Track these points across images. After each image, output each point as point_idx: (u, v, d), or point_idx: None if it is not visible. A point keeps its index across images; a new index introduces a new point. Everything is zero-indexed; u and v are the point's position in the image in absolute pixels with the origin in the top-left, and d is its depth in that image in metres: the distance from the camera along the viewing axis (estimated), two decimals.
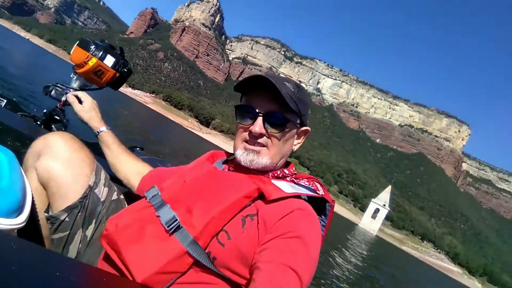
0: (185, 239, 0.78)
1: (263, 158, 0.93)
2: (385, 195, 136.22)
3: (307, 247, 0.76)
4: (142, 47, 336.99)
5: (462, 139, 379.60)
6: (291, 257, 0.73)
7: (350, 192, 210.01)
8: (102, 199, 1.07)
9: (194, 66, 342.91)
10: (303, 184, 0.95)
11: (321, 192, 0.94)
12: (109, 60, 1.39)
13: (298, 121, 0.97)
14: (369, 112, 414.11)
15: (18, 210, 0.80)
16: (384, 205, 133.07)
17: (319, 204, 0.94)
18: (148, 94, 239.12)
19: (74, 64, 1.39)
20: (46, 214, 1.01)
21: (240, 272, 0.78)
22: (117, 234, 0.85)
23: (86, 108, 1.32)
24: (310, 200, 0.92)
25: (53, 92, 1.38)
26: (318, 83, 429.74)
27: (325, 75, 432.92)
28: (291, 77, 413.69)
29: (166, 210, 0.85)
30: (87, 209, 1.02)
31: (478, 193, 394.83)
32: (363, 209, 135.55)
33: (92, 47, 1.35)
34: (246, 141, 0.95)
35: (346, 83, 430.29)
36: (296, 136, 1.01)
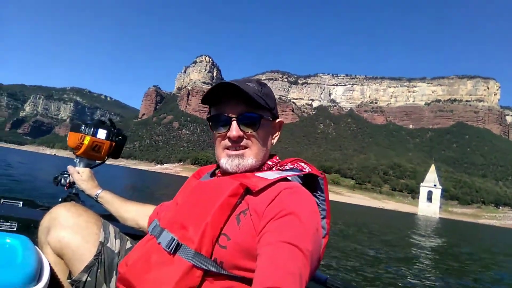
0: (188, 254, 0.81)
1: (248, 159, 0.95)
2: (431, 175, 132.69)
3: (300, 219, 0.76)
4: (157, 124, 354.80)
5: (494, 94, 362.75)
6: (287, 233, 0.74)
7: (404, 186, 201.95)
8: (116, 251, 1.12)
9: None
10: (288, 168, 0.98)
11: (307, 169, 0.96)
12: (102, 133, 1.49)
13: (270, 115, 0.99)
14: (390, 103, 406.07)
15: (36, 279, 0.89)
16: (435, 185, 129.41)
17: (312, 182, 0.96)
18: (176, 164, 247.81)
19: (73, 149, 1.51)
20: (68, 280, 1.06)
21: (251, 268, 0.78)
22: (128, 272, 0.89)
23: (84, 177, 1.45)
24: (303, 181, 0.96)
25: (62, 181, 1.49)
26: (330, 94, 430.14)
27: (333, 85, 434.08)
28: (302, 99, 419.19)
29: (164, 234, 0.89)
30: (105, 263, 1.08)
31: None
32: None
33: (83, 127, 1.47)
34: (227, 148, 0.97)
35: (357, 85, 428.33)
36: (272, 129, 1.03)
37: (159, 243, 0.88)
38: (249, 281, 0.78)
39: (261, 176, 0.90)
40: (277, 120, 1.04)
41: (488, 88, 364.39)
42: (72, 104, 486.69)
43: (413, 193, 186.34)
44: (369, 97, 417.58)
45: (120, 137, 1.56)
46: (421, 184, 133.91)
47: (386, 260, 9.37)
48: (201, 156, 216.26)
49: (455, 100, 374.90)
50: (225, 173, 0.98)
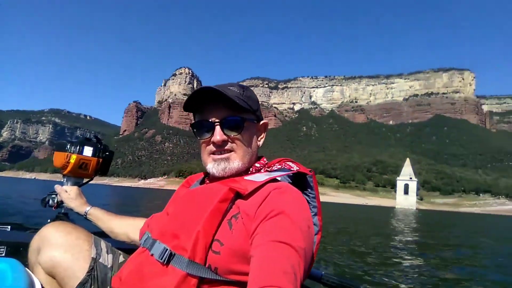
0: (182, 263, 0.80)
1: (234, 162, 0.95)
2: (407, 169, 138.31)
3: (291, 217, 0.76)
4: (139, 139, 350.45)
5: (469, 85, 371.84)
6: (278, 232, 0.73)
7: (386, 181, 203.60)
8: (109, 266, 1.12)
9: (192, 133, 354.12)
10: (276, 169, 0.97)
11: (295, 168, 0.96)
12: (88, 151, 1.47)
13: (253, 118, 1.00)
14: (370, 101, 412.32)
15: None
16: (411, 178, 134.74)
17: (301, 180, 0.96)
18: (160, 178, 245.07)
19: (60, 168, 1.47)
20: None
21: (246, 271, 0.77)
22: (122, 287, 0.89)
23: (72, 195, 1.42)
24: (293, 180, 0.95)
25: (50, 202, 1.46)
26: (310, 97, 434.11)
27: (313, 87, 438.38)
28: (283, 103, 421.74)
29: (156, 246, 0.88)
30: (98, 279, 1.07)
31: (510, 126, 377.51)
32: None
33: (68, 146, 1.45)
34: (213, 153, 0.96)
35: (336, 85, 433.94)
36: (257, 132, 1.03)
37: (151, 255, 0.88)
38: (245, 285, 0.76)
39: (250, 179, 0.90)
40: (261, 122, 1.04)
41: (463, 79, 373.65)
42: (50, 126, 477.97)
43: (395, 187, 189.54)
44: (349, 96, 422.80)
45: (107, 153, 1.55)
46: (397, 178, 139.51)
47: (363, 253, 9.70)
48: (185, 168, 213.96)
49: (432, 93, 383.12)
50: (214, 179, 0.97)
